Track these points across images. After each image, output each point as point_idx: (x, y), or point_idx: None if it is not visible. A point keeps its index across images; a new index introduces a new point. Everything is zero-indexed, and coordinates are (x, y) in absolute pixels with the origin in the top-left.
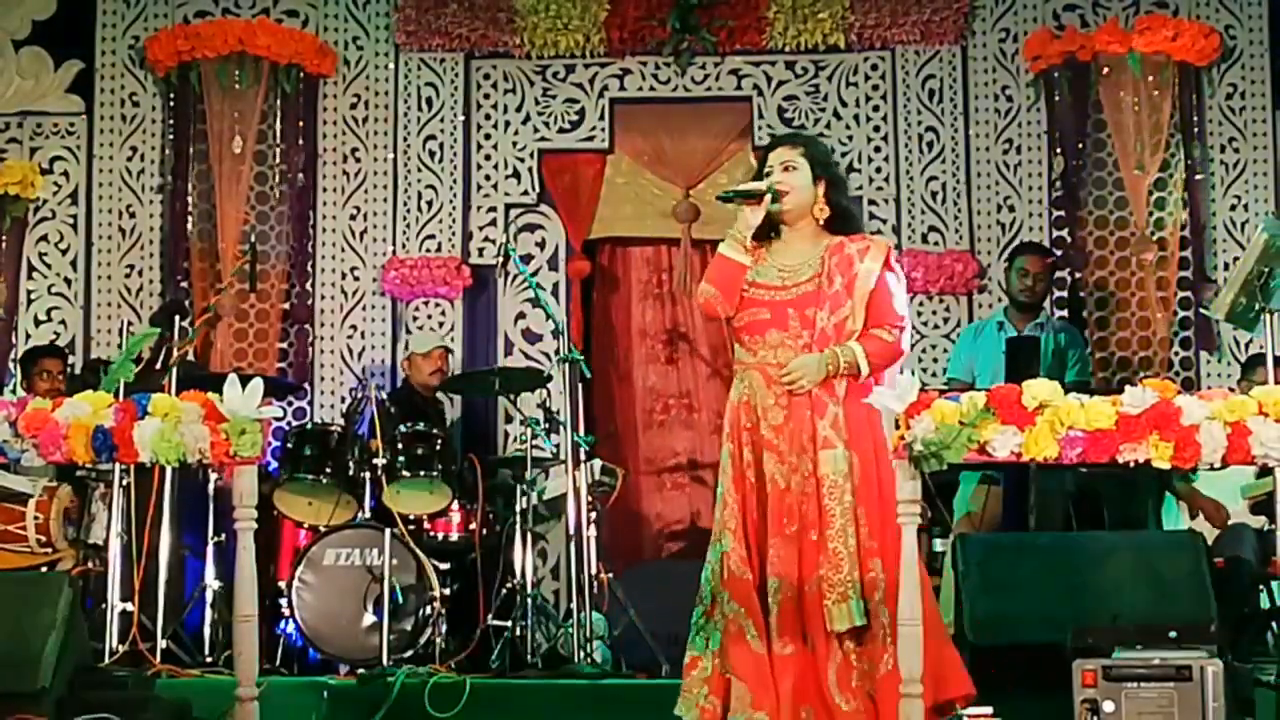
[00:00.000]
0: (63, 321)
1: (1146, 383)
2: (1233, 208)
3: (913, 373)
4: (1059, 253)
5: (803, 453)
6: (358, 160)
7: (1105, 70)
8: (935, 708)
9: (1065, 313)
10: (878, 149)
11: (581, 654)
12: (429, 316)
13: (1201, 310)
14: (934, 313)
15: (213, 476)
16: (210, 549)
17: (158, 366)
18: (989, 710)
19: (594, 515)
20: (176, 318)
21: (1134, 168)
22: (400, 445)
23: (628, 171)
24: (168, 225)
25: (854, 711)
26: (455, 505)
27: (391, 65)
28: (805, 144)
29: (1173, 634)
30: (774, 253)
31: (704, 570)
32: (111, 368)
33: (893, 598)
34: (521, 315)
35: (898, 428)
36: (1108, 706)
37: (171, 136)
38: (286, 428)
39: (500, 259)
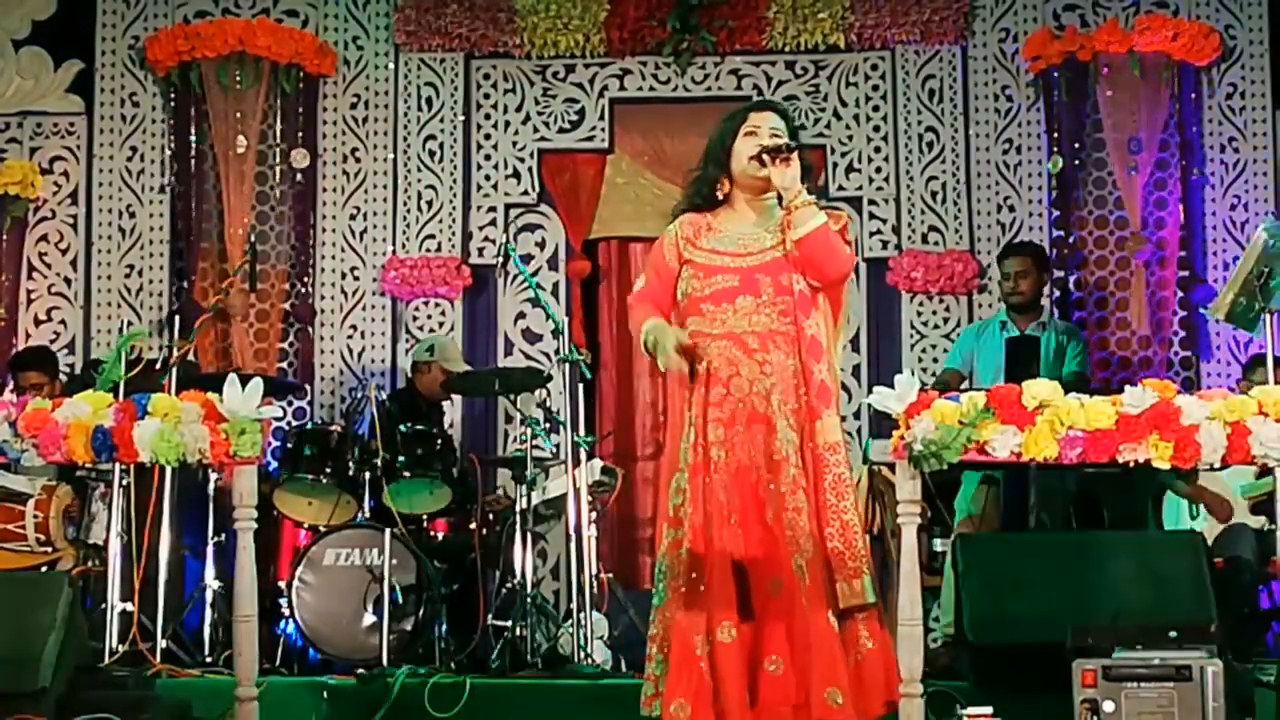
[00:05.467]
0: (63, 321)
1: (1146, 383)
2: (1232, 208)
3: (912, 373)
4: (1053, 251)
5: (793, 421)
6: (358, 160)
7: (1105, 70)
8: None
9: (1059, 313)
10: (878, 149)
11: (581, 654)
12: (429, 316)
13: (1202, 311)
14: (934, 313)
15: (213, 476)
16: (210, 549)
17: (159, 367)
18: (989, 710)
19: (594, 515)
20: (177, 318)
21: (1128, 168)
22: (400, 445)
23: (628, 171)
24: (169, 225)
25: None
26: (454, 505)
27: (391, 65)
28: (789, 119)
29: (1173, 634)
30: (723, 220)
31: (658, 565)
32: (103, 367)
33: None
34: (521, 315)
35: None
36: (1108, 706)
37: (172, 137)
38: (286, 428)
39: (500, 259)
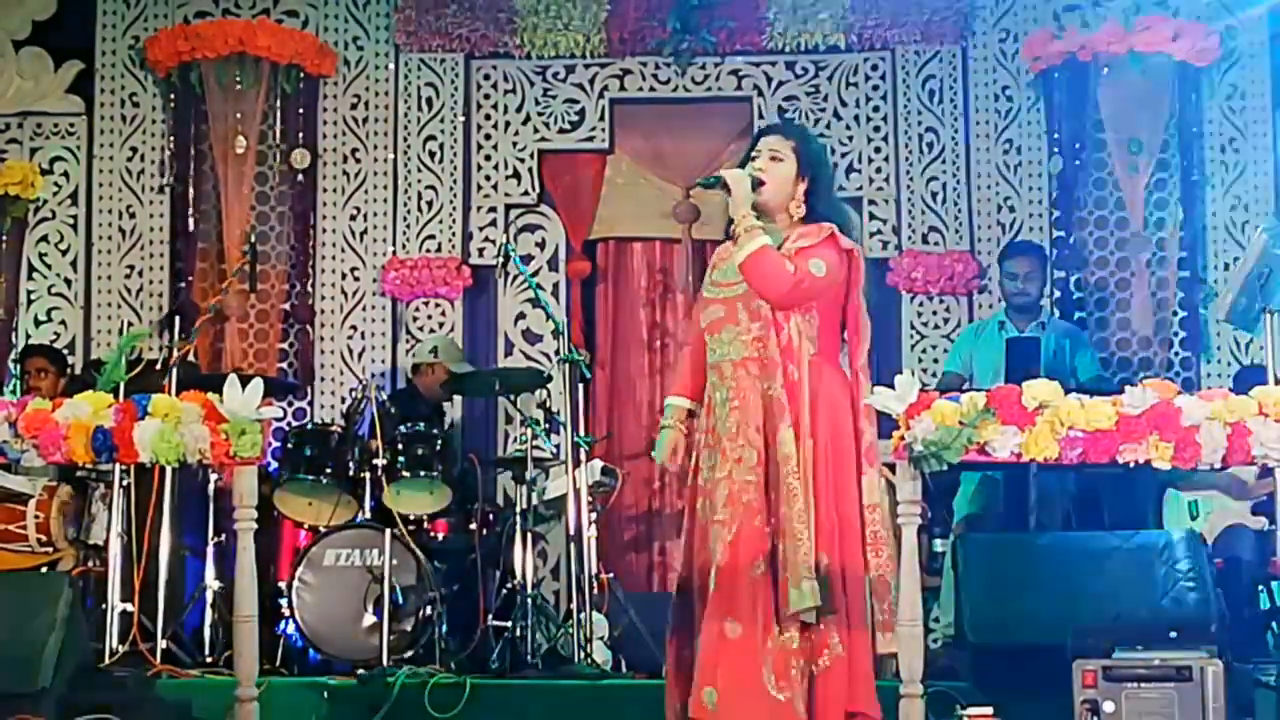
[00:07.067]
0: (63, 321)
1: (1146, 383)
2: (1232, 208)
3: (912, 373)
4: (1053, 252)
5: (753, 439)
6: (358, 160)
7: (1105, 70)
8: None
9: (1059, 313)
10: (878, 149)
11: (581, 654)
12: (429, 317)
13: (1201, 311)
14: (934, 313)
15: (213, 476)
16: (210, 549)
17: (159, 367)
18: (989, 710)
19: (594, 515)
20: (177, 318)
21: (1129, 169)
22: (400, 446)
23: (628, 172)
24: (169, 225)
25: (788, 701)
26: (454, 505)
27: (391, 65)
28: (798, 138)
29: (1173, 634)
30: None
31: None
32: (105, 368)
33: (857, 587)
34: (521, 315)
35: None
36: (1108, 706)
37: (172, 137)
38: (287, 428)
39: (500, 259)
